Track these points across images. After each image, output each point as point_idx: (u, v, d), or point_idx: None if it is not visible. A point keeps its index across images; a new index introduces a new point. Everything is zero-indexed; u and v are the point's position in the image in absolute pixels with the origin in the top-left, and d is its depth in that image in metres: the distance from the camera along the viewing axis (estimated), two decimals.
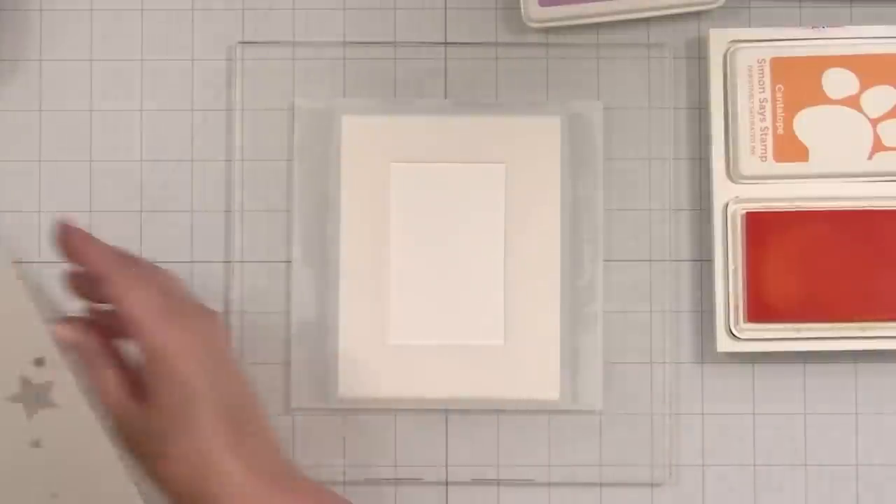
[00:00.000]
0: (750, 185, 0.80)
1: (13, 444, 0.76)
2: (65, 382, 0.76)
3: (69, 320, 0.71)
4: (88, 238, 0.70)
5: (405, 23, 0.82)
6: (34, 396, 0.77)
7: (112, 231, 0.81)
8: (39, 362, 0.77)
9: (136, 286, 0.68)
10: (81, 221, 0.81)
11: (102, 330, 0.70)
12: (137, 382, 0.68)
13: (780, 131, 0.80)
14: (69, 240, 0.70)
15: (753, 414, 0.81)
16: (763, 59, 0.80)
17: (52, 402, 0.76)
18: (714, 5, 0.81)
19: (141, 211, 0.82)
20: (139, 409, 0.68)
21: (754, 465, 0.81)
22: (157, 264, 0.72)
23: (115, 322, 0.69)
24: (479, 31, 0.82)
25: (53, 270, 0.81)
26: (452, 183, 0.80)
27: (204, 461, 0.66)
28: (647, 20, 0.82)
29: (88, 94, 0.82)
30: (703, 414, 0.81)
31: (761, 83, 0.80)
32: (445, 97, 0.82)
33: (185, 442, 0.67)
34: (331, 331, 0.80)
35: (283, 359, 0.81)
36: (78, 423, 0.76)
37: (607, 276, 0.81)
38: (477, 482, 0.81)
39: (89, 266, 0.69)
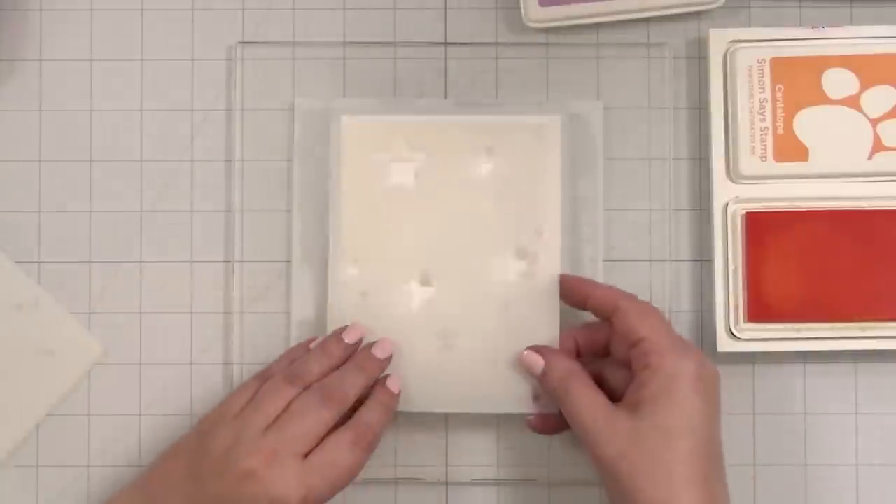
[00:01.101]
0: (750, 185, 0.80)
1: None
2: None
3: (538, 349, 0.77)
4: (587, 280, 0.78)
5: (405, 23, 0.82)
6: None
7: (112, 231, 0.81)
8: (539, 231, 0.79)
9: (650, 313, 0.73)
10: (81, 221, 0.81)
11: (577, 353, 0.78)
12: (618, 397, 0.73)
13: (780, 131, 0.80)
14: (569, 286, 0.77)
15: (753, 414, 0.81)
16: (763, 59, 0.80)
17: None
18: (714, 5, 0.81)
19: (141, 211, 0.82)
20: (627, 418, 0.71)
21: (754, 465, 0.81)
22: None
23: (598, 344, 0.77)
24: (479, 31, 0.82)
25: (53, 270, 0.81)
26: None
27: (670, 487, 0.69)
28: (647, 20, 0.82)
29: (88, 94, 0.82)
30: None
31: (761, 83, 0.80)
32: (445, 97, 0.82)
33: (662, 469, 0.70)
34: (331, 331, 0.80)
35: None
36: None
37: (607, 276, 0.81)
38: (477, 482, 0.81)
39: (596, 302, 0.75)
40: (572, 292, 0.77)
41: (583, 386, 0.74)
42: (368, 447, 0.74)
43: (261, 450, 0.72)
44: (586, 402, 0.73)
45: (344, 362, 0.77)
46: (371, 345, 0.77)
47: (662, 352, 0.72)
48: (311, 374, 0.75)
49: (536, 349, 0.77)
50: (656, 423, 0.70)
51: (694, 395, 0.71)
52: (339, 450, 0.73)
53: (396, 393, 0.77)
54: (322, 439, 0.73)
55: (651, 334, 0.72)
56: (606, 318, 0.75)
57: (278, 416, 0.74)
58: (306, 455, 0.73)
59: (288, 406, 0.74)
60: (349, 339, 0.77)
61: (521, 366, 0.77)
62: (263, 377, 0.77)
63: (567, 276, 0.78)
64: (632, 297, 0.75)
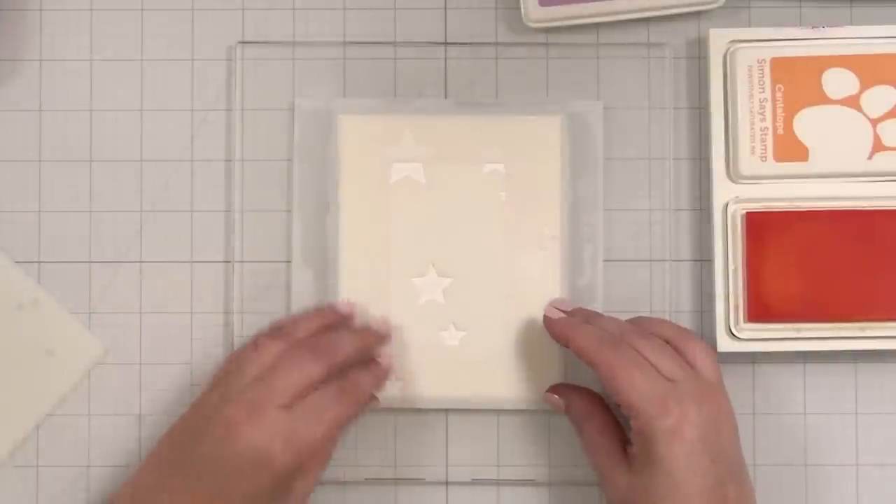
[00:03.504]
0: (750, 185, 0.80)
1: None
2: None
3: (558, 389, 0.78)
4: (572, 323, 0.75)
5: (405, 23, 0.82)
6: None
7: (112, 231, 0.81)
8: None
9: (622, 367, 0.71)
10: (81, 221, 0.81)
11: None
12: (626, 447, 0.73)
13: (780, 131, 0.80)
14: (552, 330, 0.76)
15: (753, 414, 0.81)
16: (763, 59, 0.80)
17: None
18: (714, 5, 0.81)
19: (141, 211, 0.82)
20: (626, 472, 0.72)
21: (754, 465, 0.80)
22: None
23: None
24: (479, 31, 0.82)
25: (53, 270, 0.81)
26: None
27: None
28: (647, 20, 0.82)
29: (88, 94, 0.82)
30: None
31: (761, 83, 0.80)
32: (445, 97, 0.82)
33: None
34: None
35: None
36: None
37: (607, 276, 0.81)
38: (477, 482, 0.81)
39: (575, 351, 0.74)
40: (556, 336, 0.76)
41: (594, 431, 0.75)
42: (356, 402, 0.73)
43: (242, 401, 0.71)
44: (595, 447, 0.74)
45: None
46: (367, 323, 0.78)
47: (639, 415, 0.70)
48: (298, 331, 0.75)
49: (557, 389, 0.78)
50: (643, 482, 0.71)
51: (675, 454, 0.70)
52: (325, 400, 0.72)
53: (389, 368, 0.77)
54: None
55: (626, 396, 0.71)
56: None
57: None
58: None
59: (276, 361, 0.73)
60: (340, 308, 0.77)
61: (546, 403, 0.78)
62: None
63: (550, 320, 0.77)
64: (605, 348, 0.72)
